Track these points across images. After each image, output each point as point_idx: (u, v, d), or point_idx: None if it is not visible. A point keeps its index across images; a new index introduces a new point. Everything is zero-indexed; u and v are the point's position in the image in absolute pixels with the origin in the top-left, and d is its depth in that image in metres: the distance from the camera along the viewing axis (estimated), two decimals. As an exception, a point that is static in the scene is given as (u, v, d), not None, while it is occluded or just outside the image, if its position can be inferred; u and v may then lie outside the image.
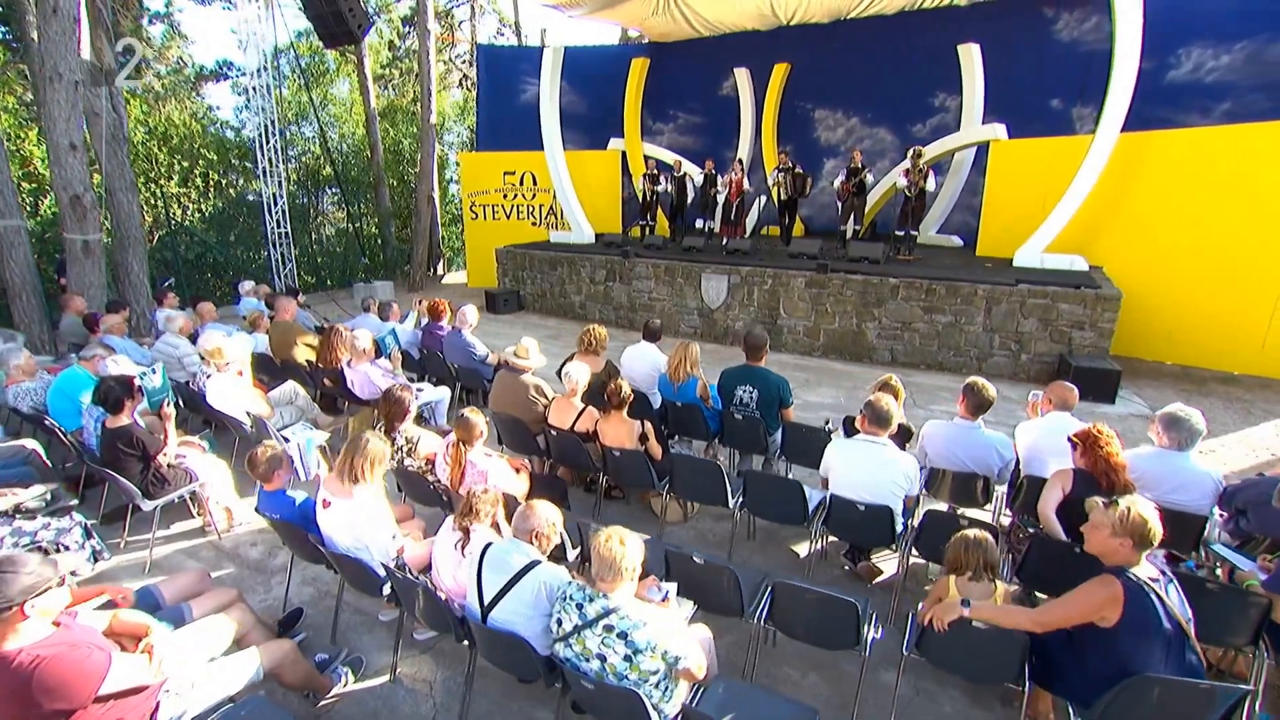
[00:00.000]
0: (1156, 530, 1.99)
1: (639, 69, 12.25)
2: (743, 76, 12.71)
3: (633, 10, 11.48)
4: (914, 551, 3.22)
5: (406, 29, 16.03)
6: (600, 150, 12.67)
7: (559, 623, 2.07)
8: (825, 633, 2.48)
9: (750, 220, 11.50)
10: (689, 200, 11.28)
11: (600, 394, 3.71)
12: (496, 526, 2.66)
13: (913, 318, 7.70)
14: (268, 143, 9.78)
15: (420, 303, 6.14)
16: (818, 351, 8.18)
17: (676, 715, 2.06)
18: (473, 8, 16.13)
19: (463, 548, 2.49)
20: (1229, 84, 8.56)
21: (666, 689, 2.04)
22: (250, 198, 11.69)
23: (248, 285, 7.58)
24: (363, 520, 2.60)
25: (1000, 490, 3.67)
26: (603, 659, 1.97)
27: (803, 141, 12.58)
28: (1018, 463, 3.50)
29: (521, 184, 12.73)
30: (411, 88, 16.56)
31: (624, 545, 2.02)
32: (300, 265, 12.88)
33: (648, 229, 11.12)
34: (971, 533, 2.48)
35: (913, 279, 7.60)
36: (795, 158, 10.26)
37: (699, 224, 11.28)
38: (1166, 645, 1.95)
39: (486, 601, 2.19)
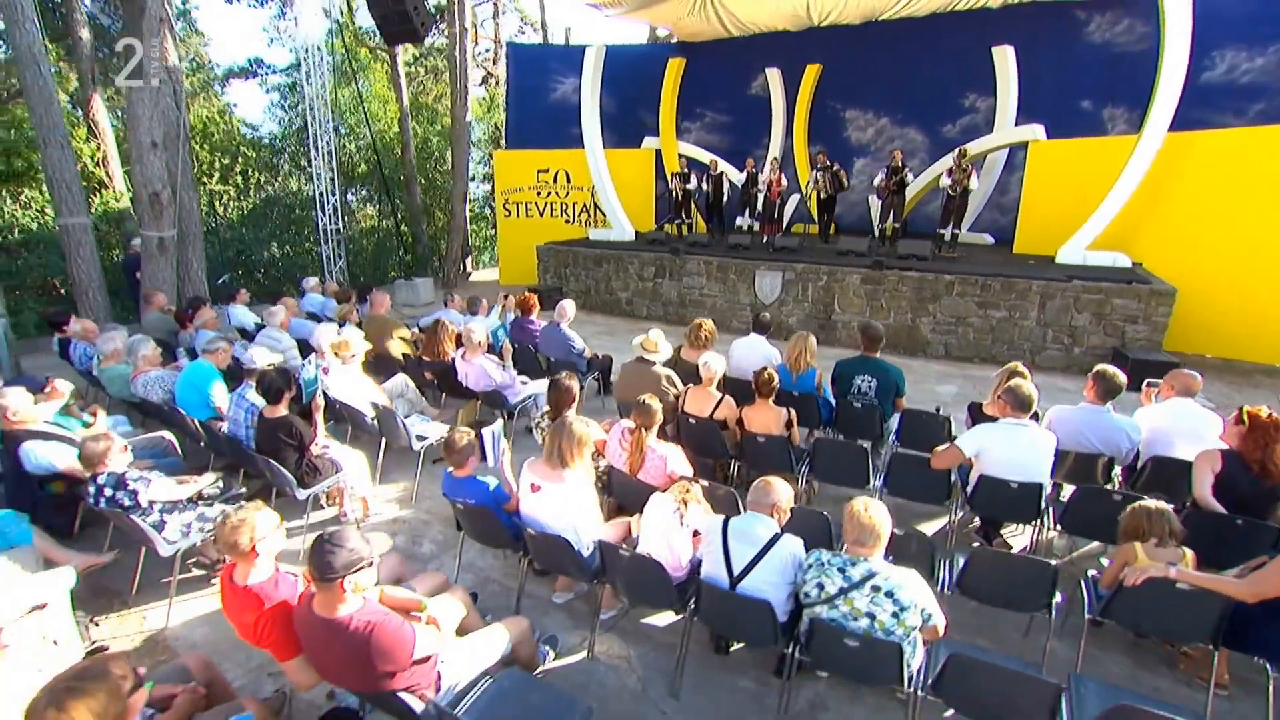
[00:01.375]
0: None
1: (675, 69, 12.42)
2: (774, 76, 12.91)
3: (670, 10, 11.66)
4: (1052, 525, 3.42)
5: (436, 27, 16.10)
6: (633, 149, 12.81)
7: (819, 587, 2.24)
8: (1019, 595, 2.66)
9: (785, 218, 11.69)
10: (725, 199, 11.47)
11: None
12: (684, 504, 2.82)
13: (967, 313, 7.93)
14: (321, 140, 9.83)
15: (506, 298, 6.26)
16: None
17: (919, 668, 2.23)
18: (495, 6, 16.23)
19: (681, 518, 2.65)
20: (1263, 85, 8.87)
21: (914, 644, 2.22)
22: (285, 195, 11.71)
23: (312, 281, 7.65)
24: (574, 502, 2.75)
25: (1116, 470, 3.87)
26: (872, 616, 2.15)
27: (833, 141, 12.78)
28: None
29: (555, 182, 12.85)
30: (435, 86, 16.62)
31: (879, 513, 2.19)
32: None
33: (685, 227, 11.29)
34: (1151, 503, 2.67)
35: (968, 275, 7.84)
36: (815, 159, 10.53)
37: (737, 222, 11.45)
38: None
39: (736, 572, 2.35)
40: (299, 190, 12.17)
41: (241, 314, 6.90)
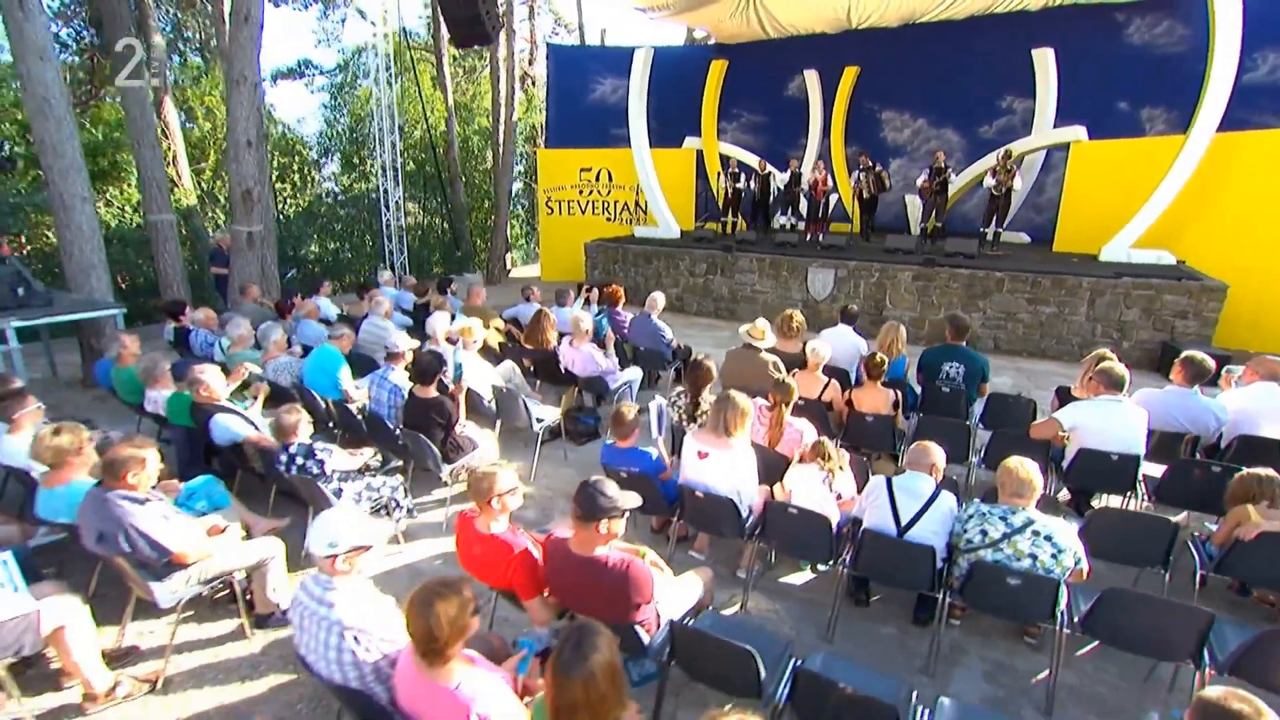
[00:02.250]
0: None
1: (718, 71, 12.76)
2: (812, 78, 13.23)
3: (713, 13, 11.99)
4: (1147, 496, 3.73)
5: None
6: (674, 148, 13.13)
7: (982, 533, 2.57)
8: (1139, 550, 2.98)
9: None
10: (770, 198, 11.80)
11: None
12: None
13: (1017, 309, 8.23)
14: (385, 139, 10.21)
15: (590, 290, 6.60)
16: (922, 340, 8.67)
17: (1065, 605, 2.56)
18: (531, 7, 16.61)
19: (830, 484, 2.98)
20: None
21: (1061, 585, 2.55)
22: (338, 192, 12.08)
23: (386, 275, 8.02)
24: (741, 466, 3.09)
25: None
26: (1034, 557, 2.48)
27: (870, 142, 13.07)
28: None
29: (597, 180, 13.21)
30: (470, 86, 17.01)
31: (1033, 469, 2.53)
32: (376, 259, 13.33)
33: (730, 225, 11.63)
34: (1261, 470, 2.99)
35: (1018, 272, 8.14)
36: (857, 159, 10.85)
37: (781, 221, 11.77)
38: None
39: (904, 522, 2.69)
40: (350, 187, 12.56)
41: (325, 305, 7.26)
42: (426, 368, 3.95)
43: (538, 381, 5.90)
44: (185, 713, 2.64)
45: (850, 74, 12.74)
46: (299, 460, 3.39)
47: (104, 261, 6.89)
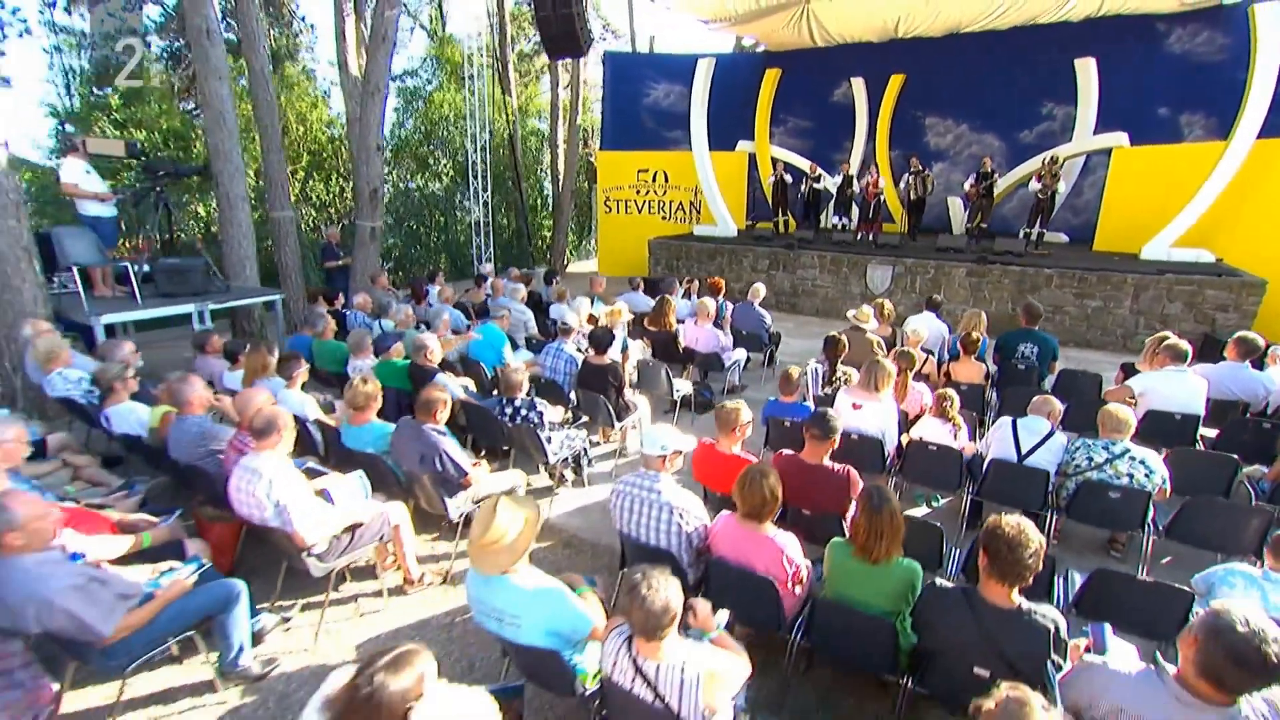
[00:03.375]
0: None
1: (771, 79, 13.62)
2: (858, 85, 14.04)
3: (769, 24, 12.84)
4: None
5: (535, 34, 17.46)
6: (727, 151, 13.99)
7: (1089, 459, 3.44)
8: (1212, 485, 3.83)
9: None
10: (821, 199, 12.64)
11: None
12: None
13: (1064, 302, 9.05)
14: (477, 143, 11.17)
15: (691, 281, 7.50)
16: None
17: (1152, 517, 3.41)
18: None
19: (955, 432, 3.86)
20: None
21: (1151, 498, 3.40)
22: (413, 192, 13.03)
23: (488, 267, 8.94)
24: (886, 415, 3.97)
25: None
26: (1131, 476, 3.34)
27: (913, 146, 13.82)
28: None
29: (654, 181, 14.11)
30: (525, 89, 17.96)
31: (1127, 412, 3.39)
32: (439, 254, 14.32)
33: (783, 224, 12.48)
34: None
35: (1067, 269, 8.95)
36: (906, 164, 11.66)
37: (833, 221, 12.59)
38: None
39: (1024, 452, 3.56)
40: (422, 187, 13.53)
41: (433, 294, 8.19)
42: (601, 340, 4.85)
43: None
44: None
45: (896, 81, 13.54)
46: (523, 412, 4.29)
47: (254, 254, 7.87)
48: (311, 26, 14.42)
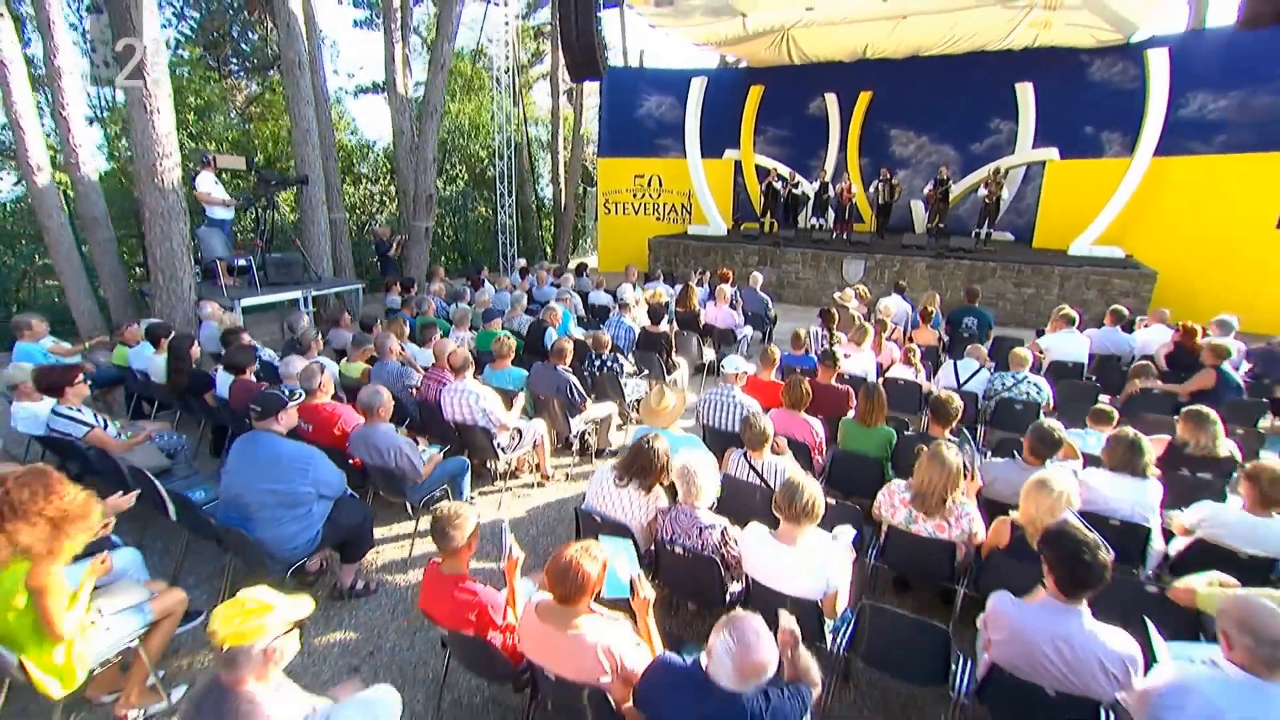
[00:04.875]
0: None
1: (755, 94, 15.50)
2: (831, 100, 16.02)
3: (752, 46, 14.73)
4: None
5: (544, 46, 19.00)
6: (715, 159, 15.82)
7: (1003, 384, 5.31)
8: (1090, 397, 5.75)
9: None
10: (799, 203, 14.58)
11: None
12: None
13: (1005, 290, 11.13)
14: (504, 150, 12.73)
15: (704, 272, 9.26)
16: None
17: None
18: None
19: (916, 374, 5.71)
20: (1225, 122, 12.09)
21: (1041, 409, 5.29)
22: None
23: (522, 262, 10.55)
24: (867, 361, 5.78)
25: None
26: (1028, 394, 5.22)
27: (880, 155, 15.90)
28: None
29: (649, 185, 15.86)
30: (527, 98, 19.55)
31: (1026, 351, 5.27)
32: (452, 252, 15.79)
33: (768, 225, 14.37)
34: (1143, 374, 5.78)
35: (1008, 262, 11.04)
36: (875, 170, 13.69)
37: (813, 222, 14.51)
38: None
39: (961, 381, 5.41)
40: (440, 190, 14.97)
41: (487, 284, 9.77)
42: (658, 313, 6.58)
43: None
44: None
45: (865, 97, 15.56)
46: (609, 364, 5.97)
47: (329, 251, 9.33)
48: (333, 43, 15.72)
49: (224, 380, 4.95)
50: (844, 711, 2.95)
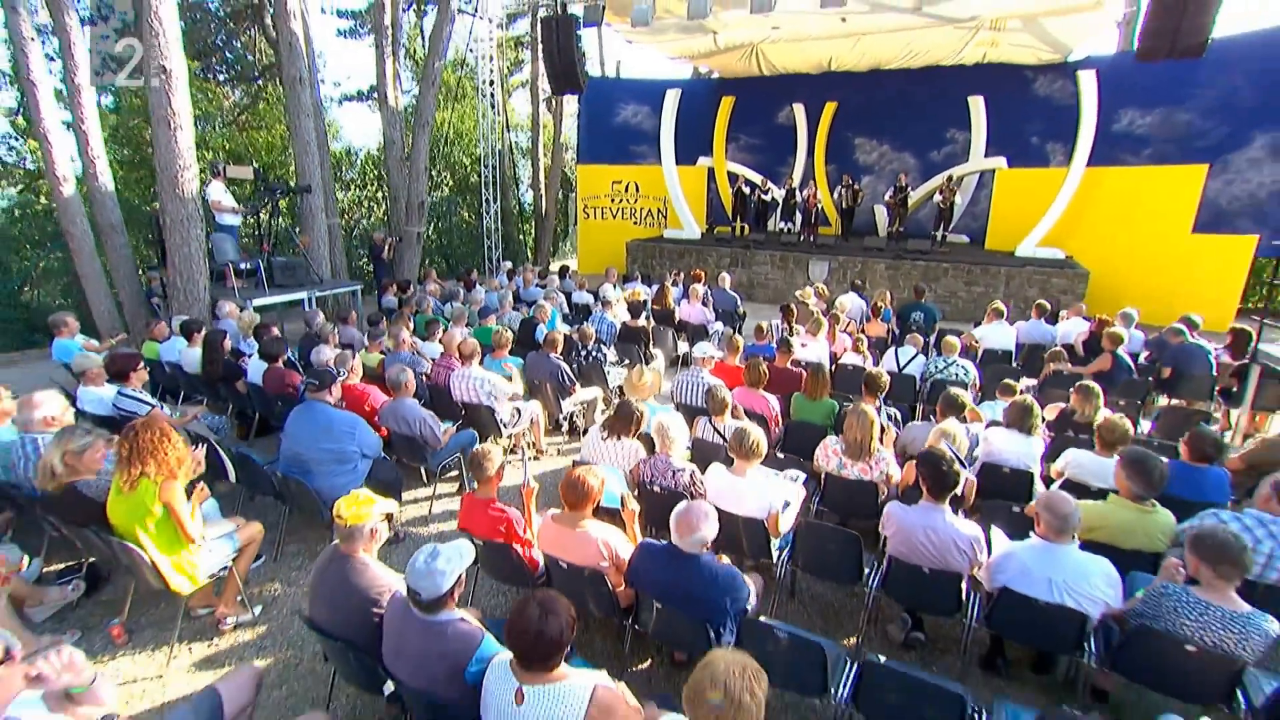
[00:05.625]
0: None
1: (727, 105, 16.42)
2: (799, 110, 17.05)
3: (724, 59, 15.68)
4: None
5: (524, 55, 19.74)
6: (689, 166, 16.71)
7: (937, 368, 6.24)
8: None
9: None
10: (768, 208, 15.53)
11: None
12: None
13: (957, 289, 12.17)
14: (490, 159, 13.47)
15: (679, 274, 10.11)
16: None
17: (972, 396, 6.24)
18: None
19: (864, 361, 6.62)
20: (1150, 136, 13.34)
21: (968, 387, 6.23)
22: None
23: (508, 265, 11.31)
24: (821, 349, 6.67)
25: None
26: (956, 376, 6.15)
27: (845, 162, 16.95)
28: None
29: (627, 191, 16.71)
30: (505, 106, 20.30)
31: (957, 339, 6.20)
32: (437, 254, 16.45)
33: (740, 228, 15.30)
34: (1055, 361, 6.76)
35: (959, 263, 12.09)
36: (839, 176, 14.75)
37: (782, 226, 15.47)
38: None
39: (901, 365, 6.33)
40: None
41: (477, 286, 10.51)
42: (637, 309, 7.40)
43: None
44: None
45: (830, 108, 16.61)
46: (594, 354, 6.78)
47: (328, 255, 9.99)
48: (320, 54, 16.32)
49: (256, 368, 5.65)
50: (790, 616, 3.79)
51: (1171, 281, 11.71)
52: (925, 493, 3.06)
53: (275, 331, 6.15)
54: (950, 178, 13.43)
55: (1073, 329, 7.75)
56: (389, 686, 2.43)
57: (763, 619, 2.57)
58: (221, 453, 4.25)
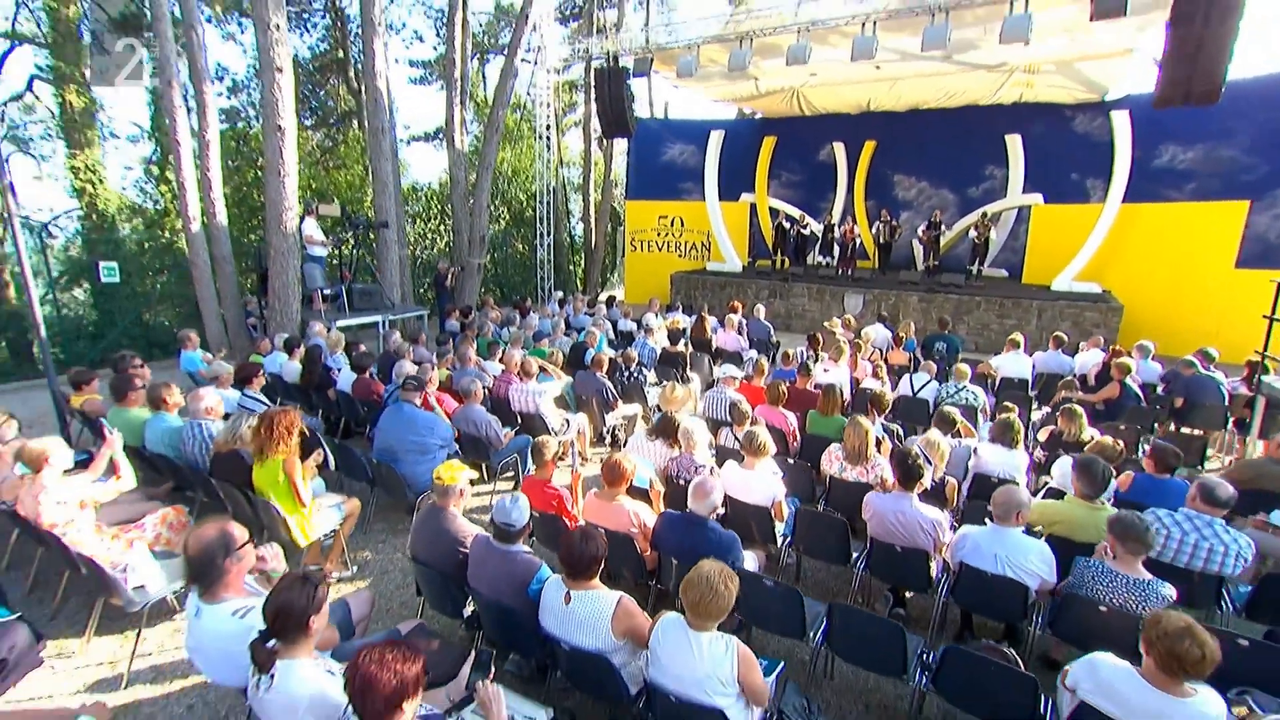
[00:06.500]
0: None
1: (769, 144, 17.35)
2: (839, 149, 17.78)
3: (766, 101, 16.63)
4: (1036, 404, 7.96)
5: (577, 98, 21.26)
6: (732, 202, 17.62)
7: (948, 394, 6.83)
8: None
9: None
10: (807, 242, 16.24)
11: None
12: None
13: (989, 321, 12.58)
14: (545, 195, 14.72)
15: (714, 304, 10.90)
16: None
17: (984, 414, 6.77)
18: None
19: (882, 385, 7.25)
20: (1193, 171, 13.50)
21: (979, 411, 6.77)
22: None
23: (559, 294, 12.32)
24: (842, 375, 7.33)
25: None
26: (967, 400, 6.73)
27: (884, 198, 17.51)
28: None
29: (672, 226, 17.70)
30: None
31: (967, 368, 6.79)
32: (493, 283, 17.67)
33: (779, 261, 16.04)
34: (1065, 393, 7.24)
35: (991, 296, 12.51)
36: (878, 212, 15.34)
37: (819, 259, 16.14)
38: None
39: (915, 390, 6.93)
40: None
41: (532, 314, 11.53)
42: (676, 336, 8.22)
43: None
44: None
45: (870, 146, 17.29)
46: (635, 375, 7.60)
47: (399, 282, 11.20)
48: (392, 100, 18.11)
49: (347, 378, 6.69)
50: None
51: (1215, 316, 11.83)
52: (897, 483, 3.74)
53: (363, 348, 7.21)
54: (985, 214, 13.90)
55: (1089, 360, 8.18)
56: (468, 610, 3.27)
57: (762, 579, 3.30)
58: (323, 442, 5.22)
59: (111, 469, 3.97)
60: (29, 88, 12.26)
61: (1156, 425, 7.16)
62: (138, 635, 3.47)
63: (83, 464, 4.05)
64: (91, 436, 5.66)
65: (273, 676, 2.09)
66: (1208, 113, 13.00)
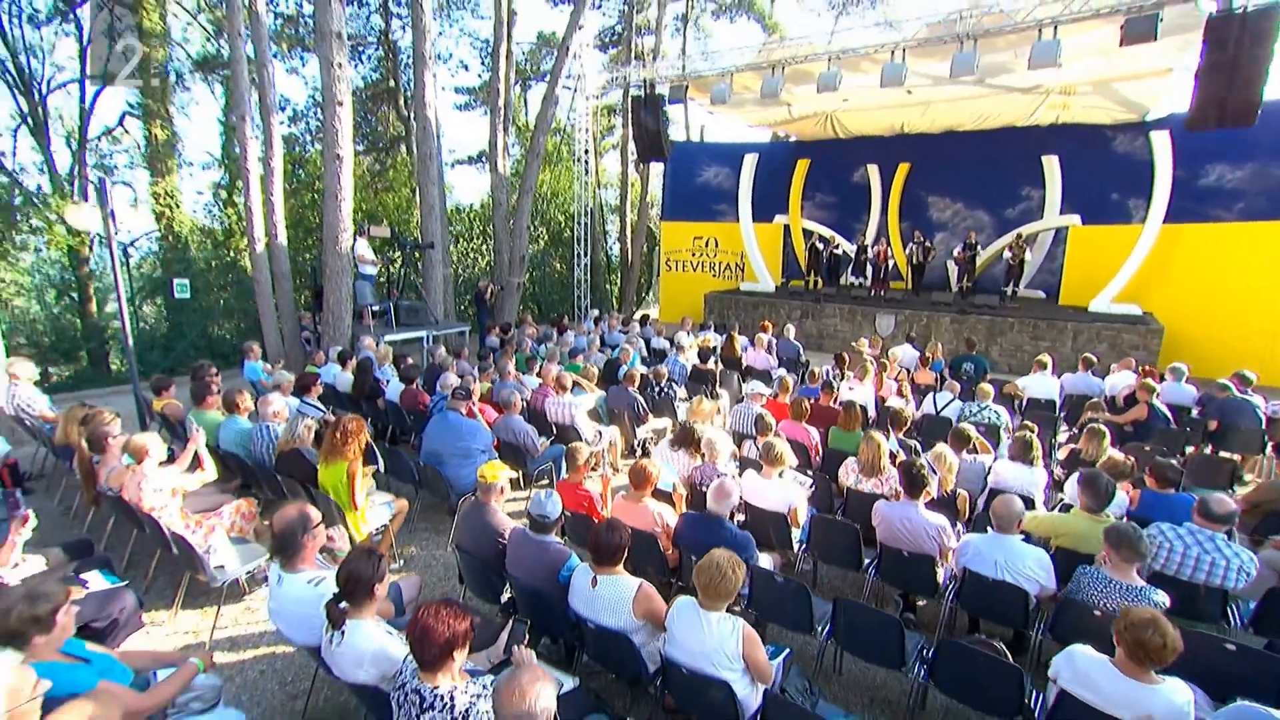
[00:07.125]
0: None
1: (802, 167, 17.65)
2: (873, 170, 17.95)
3: (800, 125, 16.97)
4: (1063, 425, 8.00)
5: (615, 121, 22.02)
6: (766, 223, 17.92)
7: (970, 412, 6.98)
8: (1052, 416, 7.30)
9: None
10: (839, 263, 16.42)
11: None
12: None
13: (1023, 343, 12.55)
14: (582, 216, 15.29)
15: (744, 324, 11.20)
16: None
17: (1007, 433, 6.90)
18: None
19: (907, 403, 7.43)
20: (1242, 190, 13.25)
21: (1002, 429, 6.90)
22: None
23: (595, 313, 12.77)
24: (867, 393, 7.54)
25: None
26: (989, 420, 6.87)
27: (918, 220, 17.58)
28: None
29: (706, 246, 18.08)
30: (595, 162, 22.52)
31: (989, 386, 6.94)
32: (530, 300, 18.27)
33: (812, 282, 16.24)
34: (1089, 413, 7.30)
35: (1025, 318, 12.50)
36: (912, 233, 15.43)
37: (852, 280, 16.29)
38: None
39: (939, 409, 7.10)
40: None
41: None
42: (706, 354, 8.54)
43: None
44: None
45: (904, 168, 17.43)
46: (666, 391, 7.94)
47: (442, 300, 11.80)
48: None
49: (395, 389, 7.20)
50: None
51: (1265, 338, 11.62)
52: (904, 492, 3.99)
53: (410, 361, 7.74)
54: (1020, 235, 13.90)
55: (1120, 381, 8.20)
56: (505, 596, 3.64)
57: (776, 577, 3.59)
58: (374, 446, 5.70)
59: (195, 463, 4.49)
60: (120, 123, 13.50)
61: (1190, 448, 7.18)
62: (217, 610, 3.94)
63: (166, 460, 4.58)
64: (170, 436, 6.26)
65: (343, 633, 2.49)
66: (1259, 131, 12.88)
